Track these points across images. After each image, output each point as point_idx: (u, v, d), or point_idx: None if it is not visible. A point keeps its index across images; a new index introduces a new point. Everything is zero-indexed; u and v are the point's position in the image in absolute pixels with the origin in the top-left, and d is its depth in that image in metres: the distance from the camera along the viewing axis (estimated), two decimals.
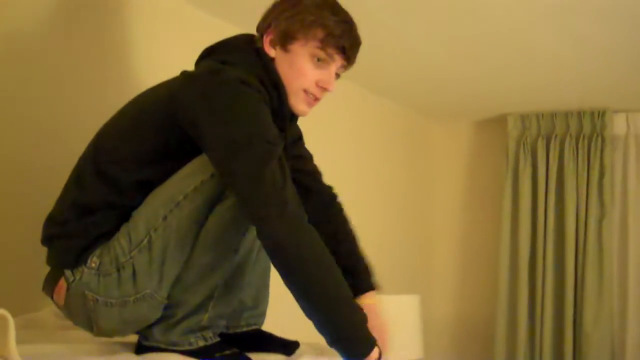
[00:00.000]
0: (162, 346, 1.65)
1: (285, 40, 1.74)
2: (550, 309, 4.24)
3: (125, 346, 1.75)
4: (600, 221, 4.17)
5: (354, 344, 1.57)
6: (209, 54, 1.80)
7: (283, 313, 2.14)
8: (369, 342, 1.59)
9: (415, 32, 3.10)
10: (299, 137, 2.07)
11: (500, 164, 4.57)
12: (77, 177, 1.73)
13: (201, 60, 1.81)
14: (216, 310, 1.68)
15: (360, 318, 1.60)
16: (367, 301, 1.97)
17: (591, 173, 4.23)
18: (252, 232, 1.64)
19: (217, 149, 1.57)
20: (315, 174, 2.12)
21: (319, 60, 1.74)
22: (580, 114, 4.30)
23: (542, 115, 4.42)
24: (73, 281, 1.66)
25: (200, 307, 1.65)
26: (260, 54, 1.76)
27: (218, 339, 1.70)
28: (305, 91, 1.76)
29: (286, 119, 1.79)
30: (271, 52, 1.76)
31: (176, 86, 1.68)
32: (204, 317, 1.66)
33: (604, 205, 4.17)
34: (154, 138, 1.66)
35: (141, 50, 2.64)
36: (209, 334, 1.68)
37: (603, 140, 4.22)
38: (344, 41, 1.74)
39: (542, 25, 2.93)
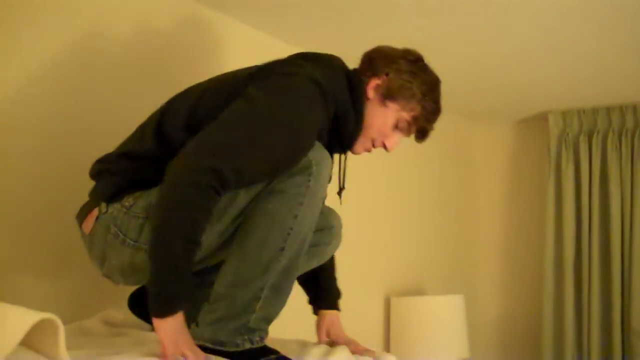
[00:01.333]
0: (210, 346, 1.66)
1: (388, 96, 1.89)
2: (597, 306, 4.19)
3: None
4: None
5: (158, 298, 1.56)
6: (301, 58, 1.89)
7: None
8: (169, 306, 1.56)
9: (452, 34, 3.10)
10: None
11: (543, 163, 4.54)
12: (136, 133, 1.90)
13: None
14: (263, 312, 1.69)
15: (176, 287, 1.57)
16: (327, 316, 2.13)
17: (635, 168, 4.18)
18: (300, 234, 1.68)
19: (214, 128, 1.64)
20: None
21: (399, 127, 1.92)
22: (622, 109, 4.25)
23: (584, 111, 4.38)
24: (104, 213, 1.79)
25: (247, 307, 1.67)
26: (353, 82, 1.89)
27: (264, 343, 1.72)
28: (373, 141, 1.93)
29: (352, 140, 1.93)
30: (371, 93, 1.90)
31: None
32: (251, 318, 1.67)
33: None
34: (220, 106, 1.72)
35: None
36: (255, 337, 1.69)
37: None
38: (428, 126, 1.96)
39: (578, 21, 2.91)
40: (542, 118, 4.57)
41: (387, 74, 1.90)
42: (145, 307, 1.98)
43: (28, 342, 1.27)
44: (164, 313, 1.54)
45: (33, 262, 2.18)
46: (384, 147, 1.94)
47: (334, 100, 1.79)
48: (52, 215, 2.21)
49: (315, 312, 2.16)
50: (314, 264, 2.04)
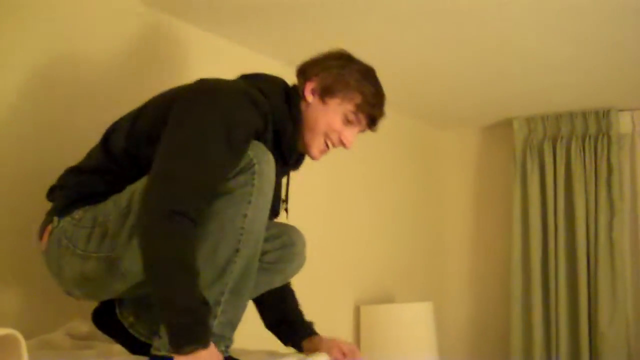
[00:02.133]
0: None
1: (325, 93, 1.94)
2: (565, 309, 4.23)
3: None
4: (610, 220, 4.17)
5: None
6: (243, 78, 1.97)
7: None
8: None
9: (417, 42, 3.12)
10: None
11: (509, 168, 4.58)
12: (88, 153, 1.95)
13: None
14: (225, 317, 1.68)
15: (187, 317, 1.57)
16: (313, 340, 2.09)
17: (599, 173, 4.23)
18: (253, 233, 1.68)
19: (165, 144, 1.67)
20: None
21: (348, 121, 1.95)
22: (585, 115, 4.30)
23: (548, 117, 4.43)
24: (56, 227, 1.82)
25: None
26: (290, 92, 1.95)
27: (229, 353, 1.71)
28: (326, 136, 1.95)
29: (292, 152, 1.95)
30: (309, 97, 1.95)
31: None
32: (213, 324, 1.66)
33: (613, 204, 4.17)
34: (155, 124, 1.76)
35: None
36: (220, 346, 1.67)
37: (609, 139, 4.22)
38: (374, 111, 1.97)
39: (542, 28, 2.94)
40: (507, 124, 4.60)
41: (317, 74, 1.95)
42: (109, 321, 1.98)
43: None
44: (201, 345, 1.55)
45: None
46: (342, 144, 1.96)
47: (270, 110, 1.83)
48: (14, 227, 2.18)
49: (301, 349, 2.12)
50: (278, 281, 2.04)
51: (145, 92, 2.52)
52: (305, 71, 1.99)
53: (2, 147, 2.16)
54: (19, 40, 2.22)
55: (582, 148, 4.30)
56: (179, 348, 1.53)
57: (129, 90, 2.55)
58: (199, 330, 1.55)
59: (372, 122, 1.99)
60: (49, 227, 1.85)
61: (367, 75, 1.97)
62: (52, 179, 2.05)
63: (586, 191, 4.25)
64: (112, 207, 1.76)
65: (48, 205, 1.93)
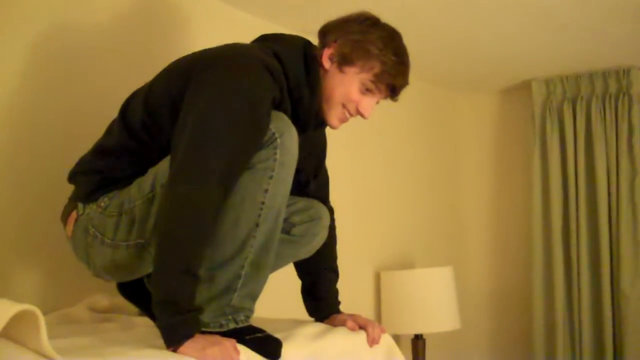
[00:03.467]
0: None
1: (344, 62, 1.85)
2: (587, 272, 4.20)
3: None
4: (632, 180, 4.12)
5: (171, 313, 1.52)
6: (262, 40, 1.92)
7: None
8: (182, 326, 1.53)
9: (432, 4, 3.07)
10: (323, 150, 2.20)
11: (528, 131, 4.53)
12: (108, 128, 1.91)
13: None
14: (245, 290, 1.67)
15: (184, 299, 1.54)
16: (335, 318, 2.07)
17: (620, 133, 4.18)
18: (273, 208, 1.66)
19: (185, 124, 1.62)
20: (323, 200, 2.15)
21: (367, 89, 1.86)
22: (605, 74, 4.24)
23: (567, 78, 4.36)
24: (82, 214, 1.82)
25: (229, 286, 1.65)
26: (309, 57, 1.86)
27: (249, 322, 1.71)
28: (344, 106, 1.88)
29: (310, 120, 1.89)
30: (327, 64, 1.87)
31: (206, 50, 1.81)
32: (233, 297, 1.66)
33: (634, 165, 4.11)
34: (171, 95, 1.73)
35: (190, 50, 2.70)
36: (240, 316, 1.67)
37: (630, 98, 4.16)
38: (396, 81, 1.87)
39: None
40: (525, 86, 4.55)
41: (335, 41, 1.86)
42: (134, 289, 1.99)
43: (8, 333, 1.25)
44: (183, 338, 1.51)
45: (15, 251, 2.16)
46: (360, 114, 1.89)
47: (286, 77, 1.78)
48: (33, 202, 2.19)
49: (319, 320, 2.11)
50: (302, 254, 2.04)
51: (149, 58, 2.54)
52: (325, 35, 1.90)
53: (6, 124, 2.16)
54: (15, 13, 2.20)
55: (602, 108, 4.24)
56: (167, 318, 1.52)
57: (131, 57, 2.55)
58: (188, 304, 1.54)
59: (393, 91, 1.90)
60: (74, 214, 1.84)
61: (390, 42, 1.86)
62: (61, 151, 2.05)
63: (607, 152, 4.20)
64: (136, 193, 1.75)
65: (62, 178, 1.92)
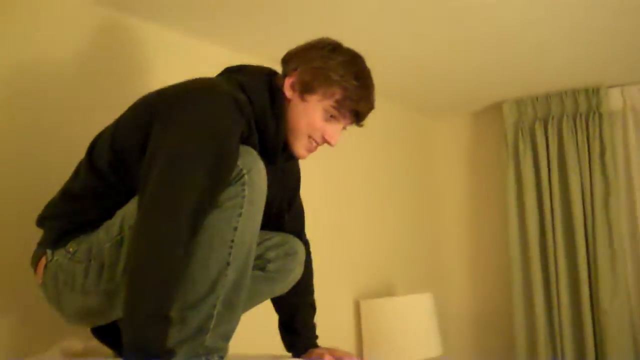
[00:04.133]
0: None
1: (305, 90, 1.83)
2: (566, 291, 4.19)
3: None
4: (606, 198, 4.13)
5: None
6: (227, 72, 1.91)
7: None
8: None
9: (398, 31, 3.08)
10: (296, 182, 2.18)
11: (501, 152, 4.54)
12: (75, 170, 1.88)
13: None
14: (218, 330, 1.65)
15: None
16: (313, 352, 2.07)
17: (592, 151, 4.19)
18: (243, 246, 1.64)
19: (152, 163, 1.59)
20: (298, 233, 2.14)
21: (331, 116, 1.84)
22: (574, 93, 4.27)
23: (537, 98, 4.39)
24: (50, 260, 1.79)
25: (201, 327, 1.63)
26: (273, 87, 1.85)
27: None
28: (310, 137, 1.86)
29: (278, 151, 1.87)
30: (289, 93, 1.85)
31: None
32: (206, 338, 1.63)
33: (608, 182, 4.13)
34: (138, 134, 1.70)
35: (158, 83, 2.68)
36: (214, 357, 1.65)
37: (600, 116, 4.18)
38: (358, 106, 1.85)
39: (527, 11, 2.92)
40: (496, 108, 4.57)
41: (296, 69, 1.84)
42: (108, 331, 1.95)
43: None
44: None
45: None
46: (326, 142, 1.87)
47: (252, 109, 1.76)
48: (3, 249, 2.16)
49: (296, 357, 2.10)
50: (279, 290, 2.03)
51: (111, 93, 2.53)
52: (287, 64, 1.89)
53: None
54: None
55: (574, 127, 4.26)
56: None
57: (95, 94, 2.53)
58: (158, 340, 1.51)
59: (357, 117, 1.88)
60: (43, 260, 1.81)
61: (351, 66, 1.84)
62: (26, 190, 2.02)
63: (580, 170, 4.22)
64: (104, 237, 1.72)
65: (28, 216, 1.90)
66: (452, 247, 4.87)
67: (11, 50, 2.27)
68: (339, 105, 1.82)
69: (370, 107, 1.89)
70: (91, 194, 1.80)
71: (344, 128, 1.91)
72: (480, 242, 4.78)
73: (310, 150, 1.90)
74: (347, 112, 1.85)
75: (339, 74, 1.81)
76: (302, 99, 1.83)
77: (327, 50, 1.85)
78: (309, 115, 1.83)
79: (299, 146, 1.87)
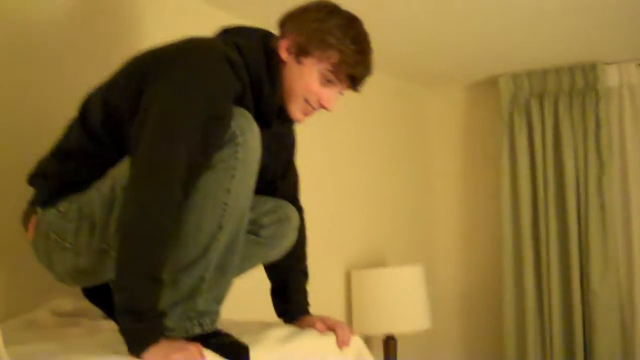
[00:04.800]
0: None
1: (300, 53, 1.79)
2: (556, 268, 4.21)
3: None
4: (600, 176, 4.14)
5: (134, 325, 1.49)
6: (223, 33, 1.87)
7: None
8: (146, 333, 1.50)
9: (402, 0, 3.06)
10: (291, 148, 2.15)
11: (496, 127, 4.53)
12: (67, 127, 1.85)
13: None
14: (211, 293, 1.64)
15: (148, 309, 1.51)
16: (304, 320, 2.04)
17: (587, 128, 4.19)
18: (237, 208, 1.63)
19: (144, 122, 1.58)
20: (292, 199, 2.12)
21: (327, 80, 1.80)
22: (571, 70, 4.25)
23: (534, 73, 4.38)
24: (41, 219, 1.77)
25: (193, 290, 1.62)
26: (269, 49, 1.81)
27: (216, 326, 1.67)
28: (306, 100, 1.82)
29: (272, 115, 1.84)
30: (284, 55, 1.81)
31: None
32: (198, 301, 1.62)
33: (602, 160, 4.13)
34: (130, 93, 1.68)
35: (149, 40, 2.64)
36: (205, 320, 1.64)
37: (597, 93, 4.17)
38: (355, 70, 1.80)
39: None
40: (492, 82, 4.56)
41: (292, 31, 1.81)
42: (99, 292, 1.94)
43: None
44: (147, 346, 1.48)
45: None
46: (322, 106, 1.83)
47: (246, 68, 1.74)
48: None
49: (288, 322, 2.09)
50: (272, 256, 2.01)
51: (105, 50, 2.50)
52: (282, 26, 1.85)
53: None
54: None
55: (569, 104, 4.25)
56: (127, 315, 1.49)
57: (88, 52, 2.49)
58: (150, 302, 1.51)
59: (353, 82, 1.83)
60: (34, 218, 1.79)
61: (349, 29, 1.79)
62: (20, 150, 1.99)
63: (575, 147, 4.21)
64: (95, 197, 1.70)
65: (18, 174, 1.89)
66: (444, 219, 4.88)
67: (4, 7, 2.23)
68: (335, 69, 1.79)
69: (367, 72, 1.84)
70: (83, 153, 1.78)
71: (341, 93, 1.88)
72: (472, 216, 4.79)
73: (307, 114, 1.87)
74: (344, 77, 1.81)
75: (336, 36, 1.77)
76: (298, 62, 1.80)
77: (324, 13, 1.81)
78: (305, 78, 1.80)
79: (295, 109, 1.84)
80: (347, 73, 1.80)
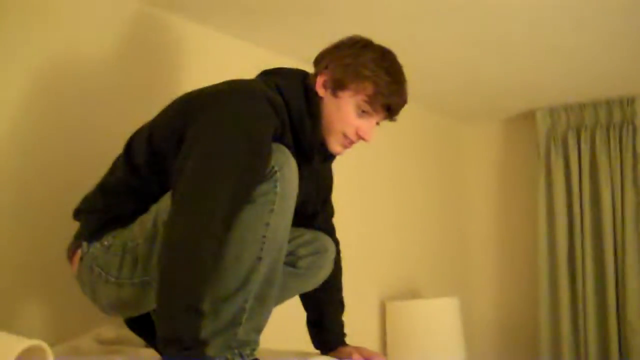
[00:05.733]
0: None
1: (336, 87, 1.85)
2: (593, 303, 4.18)
3: None
4: (637, 210, 4.12)
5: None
6: (264, 74, 1.93)
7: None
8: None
9: (435, 37, 3.10)
10: (329, 185, 2.20)
11: (532, 161, 4.54)
12: (112, 165, 1.94)
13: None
14: (250, 323, 1.68)
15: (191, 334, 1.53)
16: (340, 350, 2.08)
17: (624, 162, 4.18)
18: (275, 241, 1.67)
19: (187, 159, 1.62)
20: (329, 233, 2.17)
21: (363, 112, 1.85)
22: (609, 103, 4.25)
23: (571, 107, 4.38)
24: (86, 253, 1.83)
25: (233, 320, 1.66)
26: (308, 88, 1.87)
27: (255, 355, 1.71)
28: (344, 135, 1.87)
29: (314, 150, 1.90)
30: (321, 91, 1.87)
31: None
32: (238, 330, 1.66)
33: (639, 194, 4.12)
34: (175, 132, 1.73)
35: (190, 80, 2.70)
36: (246, 350, 1.68)
37: (634, 128, 4.17)
38: (390, 100, 1.85)
39: (560, 19, 2.92)
40: (529, 116, 4.57)
41: (327, 67, 1.87)
42: (141, 321, 2.00)
43: None
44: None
45: (22, 283, 2.17)
46: (360, 138, 1.88)
47: (287, 109, 1.80)
48: (41, 238, 2.21)
49: (324, 354, 2.12)
50: (308, 286, 2.06)
51: (149, 90, 2.56)
52: (318, 63, 1.91)
53: (10, 156, 2.17)
54: (18, 46, 2.22)
55: (606, 138, 4.25)
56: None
57: (133, 92, 2.57)
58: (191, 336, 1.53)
59: (389, 111, 1.88)
60: (79, 252, 1.86)
61: (382, 62, 1.85)
62: (65, 184, 2.06)
63: (612, 182, 4.20)
64: (138, 231, 1.76)
65: (66, 210, 1.94)
66: (479, 252, 4.87)
67: (50, 46, 2.31)
68: (371, 100, 1.83)
69: (402, 101, 1.89)
70: (127, 189, 1.84)
71: (378, 124, 1.92)
72: (508, 249, 4.78)
73: (345, 147, 1.91)
74: (379, 107, 1.85)
75: (370, 69, 1.82)
76: (335, 96, 1.85)
77: (358, 47, 1.87)
78: (342, 111, 1.85)
79: (334, 142, 1.89)
80: (383, 103, 1.85)
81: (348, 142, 1.90)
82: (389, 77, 1.84)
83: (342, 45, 1.90)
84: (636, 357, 4.01)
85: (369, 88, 1.82)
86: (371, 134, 1.89)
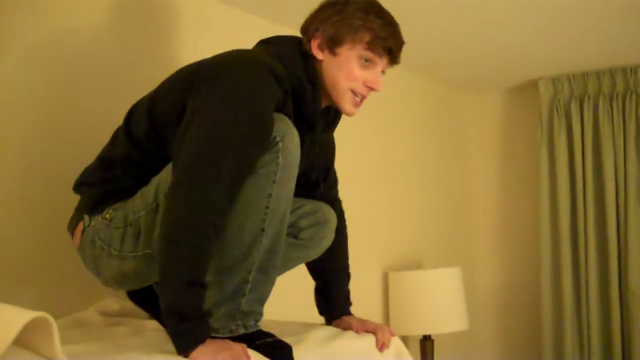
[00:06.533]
0: None
1: (333, 44, 1.84)
2: (595, 271, 4.19)
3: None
4: (639, 179, 4.11)
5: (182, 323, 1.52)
6: (262, 43, 1.92)
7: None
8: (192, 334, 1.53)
9: (438, 5, 3.07)
10: (332, 154, 2.20)
11: (535, 130, 4.52)
12: (112, 137, 1.94)
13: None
14: (254, 294, 1.68)
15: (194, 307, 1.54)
16: (344, 320, 2.10)
17: (627, 132, 4.17)
18: (277, 212, 1.67)
19: (188, 130, 1.62)
20: (333, 201, 2.17)
21: (366, 61, 1.84)
22: (612, 72, 4.23)
23: (574, 76, 4.36)
24: (88, 226, 1.84)
25: (237, 291, 1.66)
26: (304, 53, 1.86)
27: (259, 326, 1.71)
28: (353, 91, 1.86)
29: (316, 118, 1.88)
30: (319, 55, 1.86)
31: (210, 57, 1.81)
32: (242, 302, 1.66)
33: None
34: (175, 104, 1.73)
35: (188, 51, 2.68)
36: (249, 321, 1.68)
37: (637, 96, 4.15)
38: (389, 42, 1.84)
39: None
40: (532, 85, 4.55)
41: (317, 29, 1.85)
42: (144, 294, 2.00)
43: (21, 341, 1.26)
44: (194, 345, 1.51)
45: (26, 257, 2.17)
46: (370, 89, 1.87)
47: (288, 77, 1.78)
48: (43, 212, 2.21)
49: (328, 322, 2.14)
50: (311, 257, 2.06)
51: (145, 61, 2.55)
52: (307, 30, 1.89)
53: (11, 135, 2.16)
54: (15, 23, 2.20)
55: (609, 107, 4.23)
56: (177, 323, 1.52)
57: (133, 62, 2.55)
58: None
59: (390, 54, 1.86)
60: (80, 225, 1.86)
61: (370, 8, 1.84)
62: (65, 159, 2.05)
63: (615, 151, 4.19)
64: (140, 204, 1.76)
65: (67, 186, 1.94)
66: (482, 222, 4.88)
67: (45, 19, 2.29)
68: (370, 46, 1.82)
69: (400, 42, 1.88)
70: (127, 161, 1.84)
71: (383, 72, 1.90)
72: (510, 218, 4.78)
73: (357, 105, 1.89)
74: (381, 51, 1.84)
75: (360, 18, 1.81)
76: (333, 54, 1.84)
77: (341, 4, 1.86)
78: (345, 67, 1.84)
79: (345, 103, 1.87)
80: (383, 46, 1.84)
81: (359, 99, 1.89)
82: (381, 20, 1.83)
83: (324, 7, 1.89)
84: (637, 323, 4.04)
85: (366, 35, 1.82)
86: (380, 83, 1.88)
